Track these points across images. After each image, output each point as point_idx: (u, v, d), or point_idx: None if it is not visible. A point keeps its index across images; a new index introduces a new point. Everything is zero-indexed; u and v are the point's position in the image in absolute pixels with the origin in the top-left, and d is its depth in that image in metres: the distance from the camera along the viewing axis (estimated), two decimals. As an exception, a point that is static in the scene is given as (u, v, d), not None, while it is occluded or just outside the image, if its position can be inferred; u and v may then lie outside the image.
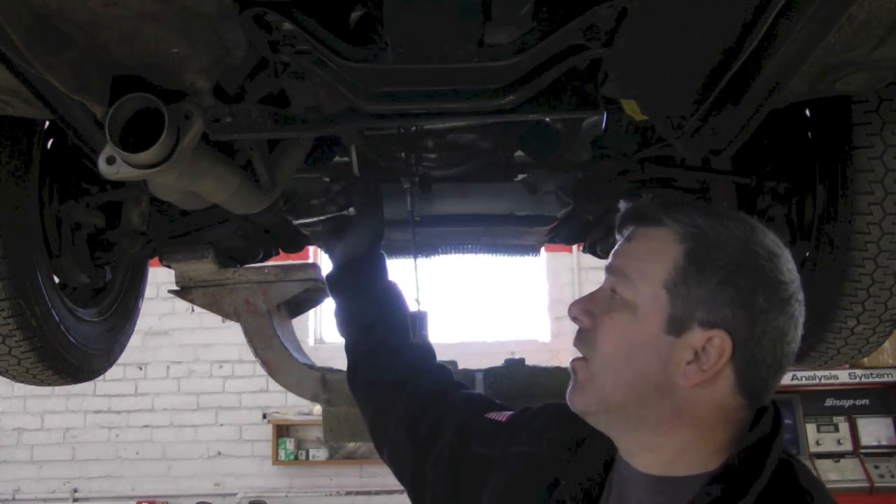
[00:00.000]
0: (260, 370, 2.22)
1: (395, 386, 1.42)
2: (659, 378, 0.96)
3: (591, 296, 1.05)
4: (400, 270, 1.65)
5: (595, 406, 1.00)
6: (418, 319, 1.50)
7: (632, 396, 0.97)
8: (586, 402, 1.00)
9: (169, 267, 2.12)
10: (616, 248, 1.05)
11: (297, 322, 2.37)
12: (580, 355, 1.03)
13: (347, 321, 1.55)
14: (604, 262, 1.11)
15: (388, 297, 1.55)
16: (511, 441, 1.20)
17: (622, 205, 1.07)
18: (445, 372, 1.49)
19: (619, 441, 1.03)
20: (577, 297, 1.06)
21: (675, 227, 0.98)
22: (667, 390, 0.95)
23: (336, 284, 1.58)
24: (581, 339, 1.03)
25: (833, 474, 5.76)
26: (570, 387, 1.04)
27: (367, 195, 1.61)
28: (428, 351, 1.51)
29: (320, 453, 7.18)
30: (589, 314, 1.02)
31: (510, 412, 1.28)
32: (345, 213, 1.62)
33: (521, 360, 2.09)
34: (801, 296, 0.97)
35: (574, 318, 1.04)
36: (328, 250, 1.67)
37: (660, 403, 0.96)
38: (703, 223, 0.97)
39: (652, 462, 0.99)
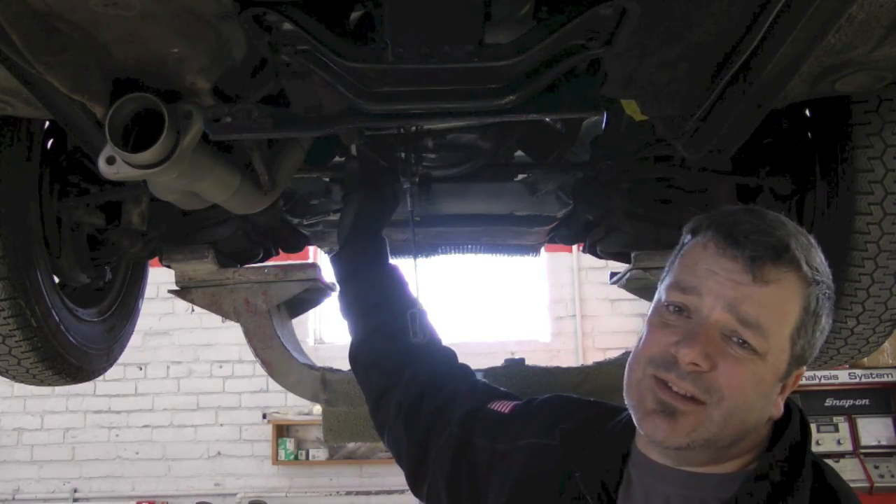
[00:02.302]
0: (260, 370, 2.21)
1: (393, 370, 1.41)
2: (763, 416, 0.99)
3: (707, 335, 0.96)
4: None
5: (699, 444, 0.96)
6: (417, 318, 1.50)
7: (739, 436, 0.98)
8: (690, 440, 0.96)
9: (169, 267, 2.11)
10: (740, 282, 0.96)
11: (297, 322, 2.37)
12: (690, 396, 0.96)
13: (347, 306, 1.56)
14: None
15: (387, 280, 1.55)
16: (518, 433, 1.19)
17: (747, 220, 0.99)
18: (447, 355, 1.48)
19: (677, 462, 1.02)
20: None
21: (806, 275, 0.97)
22: (761, 423, 1.00)
23: (337, 265, 1.61)
24: (696, 383, 0.96)
25: (833, 474, 5.75)
26: (664, 422, 0.97)
27: (357, 176, 1.62)
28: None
29: (320, 453, 7.18)
30: (709, 359, 0.96)
31: (514, 402, 1.28)
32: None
33: (521, 360, 2.09)
34: None
35: (694, 364, 0.96)
36: (343, 213, 1.68)
37: (751, 436, 0.99)
38: (819, 266, 0.99)
39: (683, 461, 1.00)
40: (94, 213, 1.95)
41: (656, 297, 1.05)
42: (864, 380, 5.97)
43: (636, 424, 1.01)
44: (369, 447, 6.85)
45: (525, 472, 1.14)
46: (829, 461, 5.86)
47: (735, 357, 0.95)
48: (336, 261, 1.62)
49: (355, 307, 1.54)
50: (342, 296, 1.58)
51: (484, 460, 1.20)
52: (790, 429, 0.99)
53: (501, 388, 1.38)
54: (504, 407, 1.26)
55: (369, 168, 1.69)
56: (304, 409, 6.99)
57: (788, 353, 0.97)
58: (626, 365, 1.04)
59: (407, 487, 1.36)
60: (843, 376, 5.95)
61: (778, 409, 1.00)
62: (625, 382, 1.03)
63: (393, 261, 1.67)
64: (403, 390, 1.37)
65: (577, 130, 2.04)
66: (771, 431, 1.01)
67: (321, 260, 3.92)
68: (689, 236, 1.05)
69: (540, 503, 1.10)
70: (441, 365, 1.43)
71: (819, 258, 1.00)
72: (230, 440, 7.38)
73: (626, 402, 1.03)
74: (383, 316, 1.49)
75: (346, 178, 1.67)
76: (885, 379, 5.97)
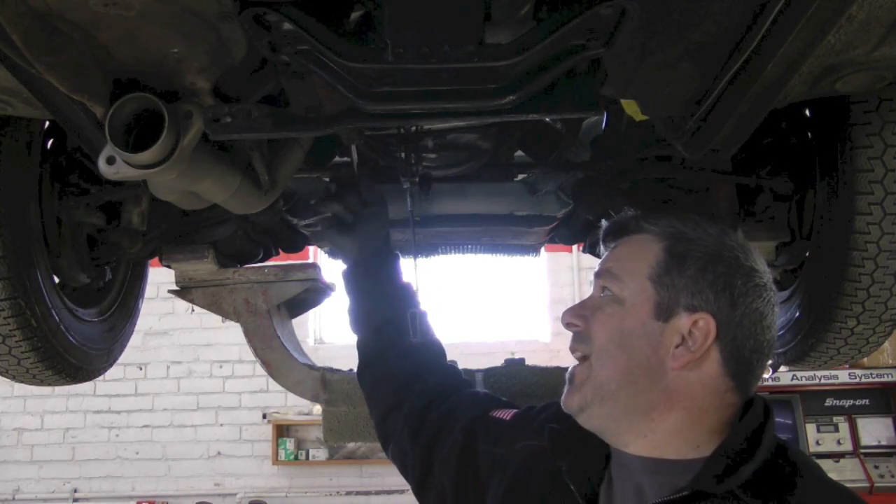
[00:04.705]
0: (260, 370, 2.21)
1: (402, 387, 1.44)
2: (651, 362, 1.02)
3: (582, 302, 1.12)
4: (402, 269, 1.65)
5: (591, 398, 1.05)
6: (418, 319, 1.50)
7: (625, 382, 1.03)
8: (583, 397, 1.05)
9: (169, 267, 2.11)
10: (602, 258, 1.15)
11: (297, 322, 2.37)
12: (580, 355, 1.08)
13: (359, 320, 1.56)
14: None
15: (400, 298, 1.56)
16: (516, 438, 1.23)
17: (603, 223, 1.17)
18: (453, 370, 1.51)
19: (612, 434, 1.07)
20: (577, 298, 1.12)
21: (653, 230, 1.08)
22: (658, 374, 1.02)
23: (349, 283, 1.60)
24: (577, 340, 1.09)
25: (833, 474, 5.69)
26: (565, 391, 1.09)
27: (364, 195, 1.61)
28: (437, 350, 1.53)
29: (320, 453, 7.18)
30: (581, 317, 1.09)
31: (514, 410, 1.31)
32: (342, 212, 1.62)
33: (521, 360, 2.09)
34: (773, 287, 1.06)
35: (568, 325, 1.11)
36: (336, 250, 1.67)
37: (651, 387, 1.02)
38: (679, 224, 1.08)
39: (645, 446, 1.03)
40: (94, 213, 1.95)
41: None
42: (864, 380, 5.96)
43: None
44: (369, 447, 6.85)
45: (519, 472, 1.18)
46: (829, 461, 5.88)
47: (599, 305, 1.08)
48: (348, 276, 1.61)
49: (367, 323, 1.55)
50: (352, 310, 1.58)
51: (486, 465, 1.24)
52: (751, 413, 1.02)
53: (503, 398, 1.41)
54: (505, 414, 1.30)
55: (371, 187, 1.66)
56: (304, 409, 7.00)
57: (653, 293, 1.04)
58: None
59: (407, 487, 1.37)
60: (843, 376, 5.94)
61: (678, 362, 1.01)
62: None
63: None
64: (411, 406, 1.40)
65: (577, 130, 2.04)
66: (737, 419, 1.03)
67: (321, 260, 3.92)
68: None
69: (531, 500, 1.13)
70: (445, 380, 1.46)
71: (681, 222, 1.08)
72: (230, 440, 7.38)
73: None
74: (395, 334, 1.50)
75: (355, 204, 1.61)
76: (885, 379, 5.96)
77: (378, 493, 7.07)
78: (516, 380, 1.98)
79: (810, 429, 5.98)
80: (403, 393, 1.42)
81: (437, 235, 2.57)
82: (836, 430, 6.01)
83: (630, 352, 1.03)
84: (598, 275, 1.12)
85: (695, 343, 1.01)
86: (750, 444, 0.99)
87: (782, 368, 5.52)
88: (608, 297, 1.07)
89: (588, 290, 1.14)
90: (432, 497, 1.30)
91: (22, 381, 1.91)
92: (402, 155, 1.84)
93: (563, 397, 1.09)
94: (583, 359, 1.08)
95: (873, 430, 6.00)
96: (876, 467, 5.79)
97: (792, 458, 1.00)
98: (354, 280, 1.59)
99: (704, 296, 1.01)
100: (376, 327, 1.53)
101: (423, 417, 1.36)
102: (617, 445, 1.07)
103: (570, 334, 1.11)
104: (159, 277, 2.76)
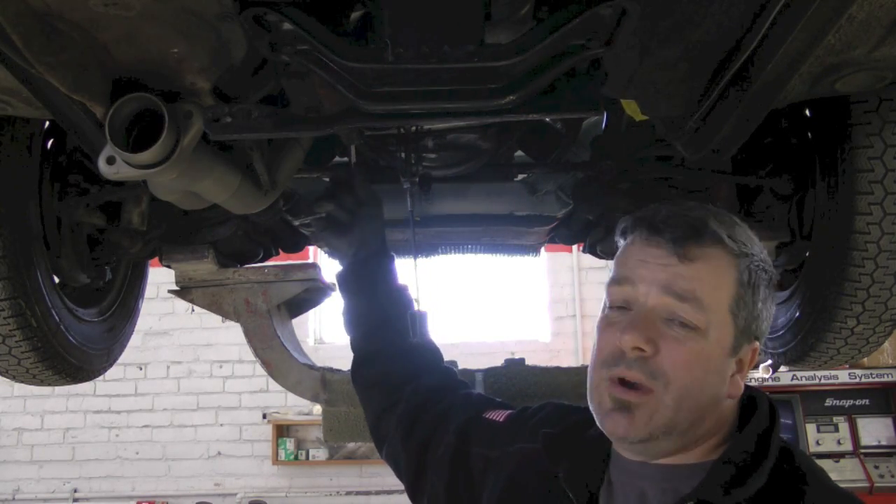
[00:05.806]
0: (260, 370, 2.22)
1: (396, 388, 1.43)
2: (718, 396, 0.99)
3: (646, 320, 0.97)
4: (400, 270, 1.64)
5: (658, 433, 0.97)
6: (418, 319, 1.50)
7: (696, 417, 0.98)
8: (649, 432, 0.96)
9: (169, 267, 2.11)
10: (667, 264, 0.98)
11: (297, 322, 2.37)
12: (637, 382, 0.97)
13: (353, 321, 1.56)
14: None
15: (395, 300, 1.55)
16: (510, 440, 1.21)
17: (665, 210, 1.02)
18: (448, 372, 1.50)
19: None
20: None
21: (732, 248, 0.98)
22: (719, 404, 0.99)
23: (343, 284, 1.59)
24: (641, 368, 0.96)
25: (833, 474, 5.65)
26: (619, 417, 0.98)
27: (359, 195, 1.60)
28: (432, 352, 1.52)
29: (320, 453, 7.18)
30: (652, 343, 0.96)
31: (508, 411, 1.30)
32: (336, 211, 1.61)
33: (521, 360, 2.09)
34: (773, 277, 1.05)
35: (635, 349, 0.97)
36: (332, 251, 1.67)
37: (710, 417, 0.99)
38: (746, 241, 1.00)
39: (653, 454, 1.01)
40: (94, 213, 1.95)
41: (602, 304, 1.07)
42: (864, 380, 5.96)
43: (600, 427, 1.02)
44: (369, 447, 6.85)
45: (514, 476, 1.16)
46: (829, 461, 5.88)
47: (676, 338, 0.96)
48: (343, 277, 1.60)
49: (362, 324, 1.54)
50: (346, 311, 1.57)
51: (479, 467, 1.22)
52: (757, 416, 1.01)
53: (497, 399, 1.40)
54: (499, 416, 1.28)
55: (364, 186, 1.65)
56: (304, 409, 6.99)
57: (732, 327, 0.98)
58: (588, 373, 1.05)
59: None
60: (843, 376, 5.94)
61: (736, 388, 0.99)
62: (587, 390, 1.04)
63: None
64: (405, 407, 1.39)
65: (577, 130, 2.04)
66: (738, 416, 1.02)
67: (321, 260, 3.92)
68: (620, 240, 1.07)
69: None
70: (440, 381, 1.45)
71: (746, 234, 1.01)
72: (230, 440, 7.38)
73: (591, 409, 1.04)
74: (389, 335, 1.50)
75: (349, 204, 1.60)
76: (885, 379, 5.96)
77: (378, 493, 7.07)
78: (516, 380, 1.98)
79: (810, 429, 5.98)
80: (397, 394, 1.41)
81: (437, 235, 2.57)
82: (836, 430, 6.01)
83: (707, 390, 0.97)
84: (669, 292, 0.97)
85: (744, 370, 1.00)
86: (757, 449, 0.97)
87: (782, 368, 5.52)
88: (688, 328, 0.96)
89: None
90: (425, 499, 1.29)
91: (22, 381, 1.91)
92: (402, 155, 1.84)
93: (620, 425, 0.97)
94: (643, 389, 0.96)
95: (873, 430, 6.00)
96: (876, 467, 5.79)
97: (798, 463, 0.99)
98: (349, 281, 1.57)
99: (762, 325, 1.01)
100: (371, 329, 1.52)
101: (416, 418, 1.35)
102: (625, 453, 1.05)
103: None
104: (159, 277, 2.76)
